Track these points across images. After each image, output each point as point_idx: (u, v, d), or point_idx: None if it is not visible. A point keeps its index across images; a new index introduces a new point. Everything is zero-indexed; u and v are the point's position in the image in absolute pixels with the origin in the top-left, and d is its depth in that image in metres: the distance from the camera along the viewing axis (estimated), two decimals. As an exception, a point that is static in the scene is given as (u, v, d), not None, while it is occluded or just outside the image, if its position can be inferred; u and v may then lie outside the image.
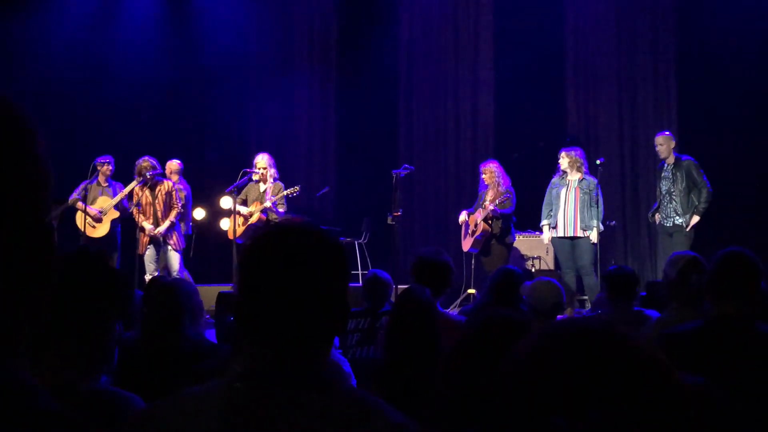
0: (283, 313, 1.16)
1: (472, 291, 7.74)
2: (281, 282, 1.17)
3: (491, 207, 7.39)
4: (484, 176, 7.70)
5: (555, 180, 7.44)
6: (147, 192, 7.41)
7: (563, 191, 7.30)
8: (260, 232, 1.22)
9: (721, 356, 2.25)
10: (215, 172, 8.62)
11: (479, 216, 7.56)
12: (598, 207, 7.16)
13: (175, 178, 8.09)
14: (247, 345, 1.19)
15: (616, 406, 0.77)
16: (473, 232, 7.63)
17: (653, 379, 0.80)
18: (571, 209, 7.21)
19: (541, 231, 7.64)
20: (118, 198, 7.89)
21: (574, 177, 7.29)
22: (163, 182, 7.48)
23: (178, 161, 8.29)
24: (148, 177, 7.32)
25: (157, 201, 7.41)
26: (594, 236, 7.14)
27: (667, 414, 0.78)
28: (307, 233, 1.21)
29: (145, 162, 7.35)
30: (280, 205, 7.55)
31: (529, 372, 0.82)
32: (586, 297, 7.48)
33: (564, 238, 7.26)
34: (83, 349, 1.55)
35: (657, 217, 7.26)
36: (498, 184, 7.56)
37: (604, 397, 0.77)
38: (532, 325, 1.58)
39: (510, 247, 7.71)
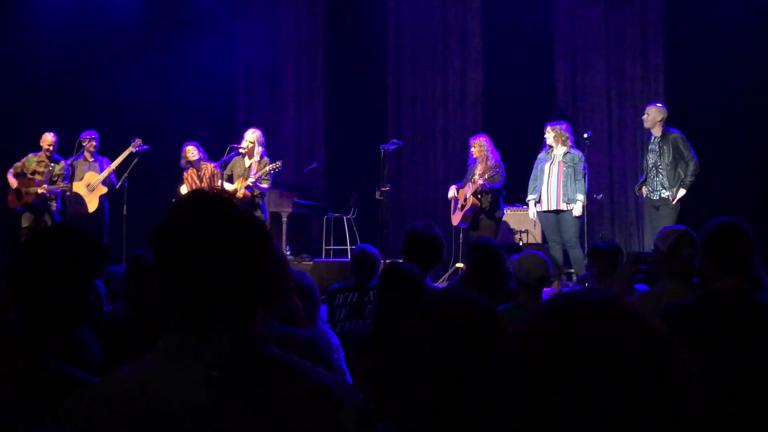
0: (195, 290, 1.11)
1: (460, 265, 7.75)
2: (190, 259, 1.11)
3: (480, 181, 7.38)
4: (473, 150, 7.68)
5: (541, 155, 7.44)
6: (194, 175, 7.89)
7: (547, 165, 7.31)
8: (167, 211, 1.16)
9: (725, 329, 2.25)
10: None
11: (468, 190, 7.55)
12: (583, 180, 7.15)
13: (48, 151, 8.01)
14: (168, 323, 1.15)
15: (621, 378, 0.76)
16: (462, 207, 7.62)
17: (658, 350, 0.78)
18: (554, 183, 7.21)
19: (528, 205, 7.64)
20: (105, 173, 7.98)
21: (559, 151, 7.28)
22: (207, 166, 7.92)
23: (52, 134, 8.03)
24: (190, 162, 7.82)
25: (202, 184, 7.94)
26: (577, 210, 7.12)
27: (672, 384, 0.77)
28: (214, 206, 1.14)
29: (189, 147, 7.86)
30: (264, 181, 7.49)
31: (533, 350, 0.81)
32: (573, 270, 7.51)
33: (548, 212, 7.27)
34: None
35: (644, 190, 7.26)
36: (487, 158, 7.54)
37: (609, 370, 0.76)
38: (493, 310, 1.55)
39: (499, 221, 7.72)
